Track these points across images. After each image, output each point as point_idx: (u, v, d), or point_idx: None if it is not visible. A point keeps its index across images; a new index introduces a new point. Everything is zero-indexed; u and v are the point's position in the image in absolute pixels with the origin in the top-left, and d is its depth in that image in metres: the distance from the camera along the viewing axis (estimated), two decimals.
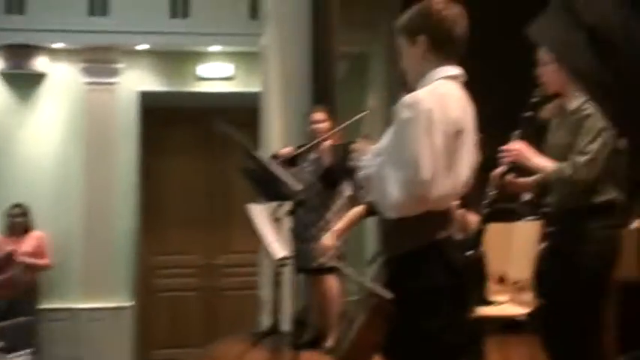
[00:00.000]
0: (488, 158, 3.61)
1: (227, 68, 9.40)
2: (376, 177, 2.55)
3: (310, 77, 7.25)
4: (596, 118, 3.14)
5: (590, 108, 3.17)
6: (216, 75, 9.38)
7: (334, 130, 5.47)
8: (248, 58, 9.05)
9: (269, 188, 4.95)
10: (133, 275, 8.98)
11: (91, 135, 8.92)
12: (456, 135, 2.53)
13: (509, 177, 3.42)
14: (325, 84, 7.30)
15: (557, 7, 2.20)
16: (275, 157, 5.55)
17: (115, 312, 8.76)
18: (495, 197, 3.38)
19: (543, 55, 3.32)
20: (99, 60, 8.92)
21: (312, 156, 5.59)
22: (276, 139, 7.28)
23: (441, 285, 2.53)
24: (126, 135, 9.04)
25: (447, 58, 2.62)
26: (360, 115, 5.23)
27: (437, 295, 2.53)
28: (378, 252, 2.71)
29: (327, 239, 5.01)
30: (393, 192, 2.47)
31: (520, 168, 3.42)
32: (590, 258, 3.20)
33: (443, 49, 2.61)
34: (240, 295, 9.30)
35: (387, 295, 2.56)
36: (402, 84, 2.76)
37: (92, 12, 8.76)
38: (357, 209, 5.10)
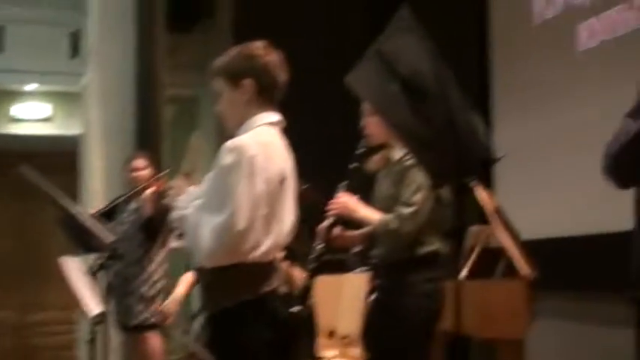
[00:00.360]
0: (316, 210, 3.66)
1: (45, 109, 9.14)
2: (191, 221, 2.55)
3: (134, 121, 7.17)
4: (419, 169, 3.21)
5: (413, 159, 3.24)
6: (33, 116, 9.10)
7: (154, 178, 5.37)
8: (68, 99, 8.84)
9: (83, 240, 4.80)
10: None
11: None
12: (279, 184, 2.57)
13: (337, 230, 3.45)
14: (151, 128, 7.23)
15: (373, 57, 2.30)
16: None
17: None
18: (322, 251, 3.39)
19: (367, 105, 3.39)
20: None
21: (133, 205, 5.46)
22: (97, 185, 7.10)
23: (265, 340, 2.54)
24: None
25: (269, 104, 2.68)
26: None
27: (262, 350, 2.54)
28: (200, 307, 2.68)
29: (170, 305, 5.08)
30: (205, 239, 2.47)
31: (348, 221, 3.47)
32: (413, 311, 3.27)
33: (267, 94, 2.67)
34: (56, 356, 8.95)
35: (208, 356, 2.55)
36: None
37: None
38: (190, 275, 5.14)
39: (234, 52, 2.70)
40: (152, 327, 5.26)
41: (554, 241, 5.49)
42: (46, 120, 9.12)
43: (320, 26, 7.32)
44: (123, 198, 5.41)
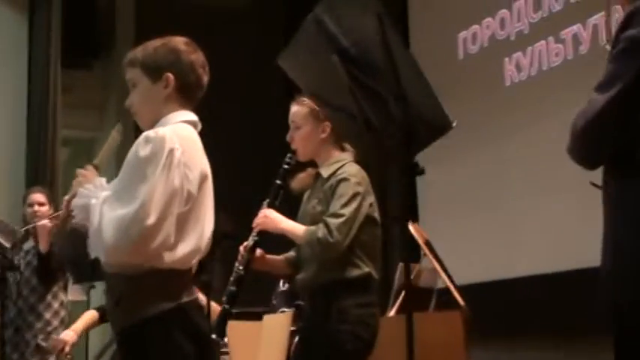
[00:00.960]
0: (228, 241, 3.57)
1: None
2: (96, 212, 2.43)
3: (26, 162, 7.05)
4: (350, 183, 3.20)
5: (344, 173, 3.24)
6: None
7: (53, 216, 5.20)
8: None
9: None
10: None
11: None
12: (201, 182, 2.52)
13: (259, 252, 3.37)
14: (44, 170, 7.11)
15: (308, 33, 2.28)
16: None
17: None
18: (243, 274, 3.31)
19: (295, 116, 3.36)
20: None
21: (29, 245, 5.29)
22: None
23: (186, 354, 2.45)
24: None
25: (189, 104, 2.65)
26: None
27: None
28: (112, 326, 2.59)
29: (67, 335, 4.88)
30: (107, 230, 2.38)
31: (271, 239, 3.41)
32: (345, 340, 3.16)
33: (188, 92, 2.63)
34: None
35: None
36: None
37: None
38: (93, 312, 4.99)
39: (156, 43, 2.66)
40: None
41: (486, 285, 5.54)
42: None
43: (231, 54, 7.36)
44: (19, 234, 5.20)
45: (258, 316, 4.93)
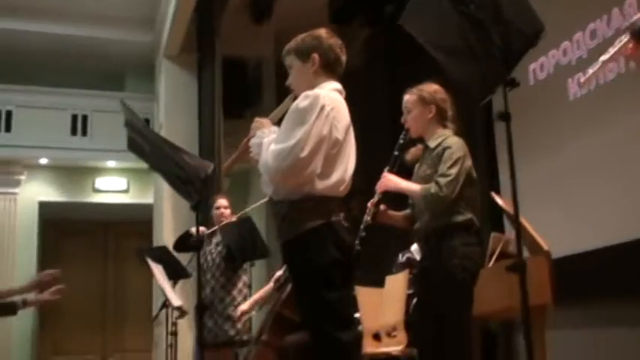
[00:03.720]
0: (367, 188, 3.62)
1: (121, 182, 9.34)
2: (265, 147, 2.63)
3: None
4: (453, 150, 3.29)
5: (447, 143, 3.33)
6: (112, 188, 9.29)
7: (240, 213, 5.45)
8: (141, 173, 9.04)
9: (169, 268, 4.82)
10: None
11: None
12: (346, 131, 2.67)
13: (383, 207, 3.46)
14: (213, 196, 7.38)
15: None
16: (188, 234, 5.40)
17: None
18: (370, 223, 3.42)
19: (407, 103, 3.47)
20: (1, 172, 8.71)
21: (217, 239, 5.47)
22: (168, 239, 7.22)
23: (335, 260, 2.57)
24: (25, 241, 8.74)
25: (333, 77, 2.81)
26: (261, 202, 5.18)
27: (332, 268, 2.56)
28: (281, 241, 2.71)
29: (245, 305, 5.05)
30: (270, 160, 2.56)
31: (392, 200, 3.48)
32: (457, 270, 3.20)
33: (330, 68, 2.80)
34: None
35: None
36: None
37: None
38: (268, 286, 5.13)
39: (303, 35, 2.86)
40: (242, 343, 5.19)
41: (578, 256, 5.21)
42: (123, 192, 9.33)
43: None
44: (211, 230, 5.40)
45: (382, 284, 5.02)
